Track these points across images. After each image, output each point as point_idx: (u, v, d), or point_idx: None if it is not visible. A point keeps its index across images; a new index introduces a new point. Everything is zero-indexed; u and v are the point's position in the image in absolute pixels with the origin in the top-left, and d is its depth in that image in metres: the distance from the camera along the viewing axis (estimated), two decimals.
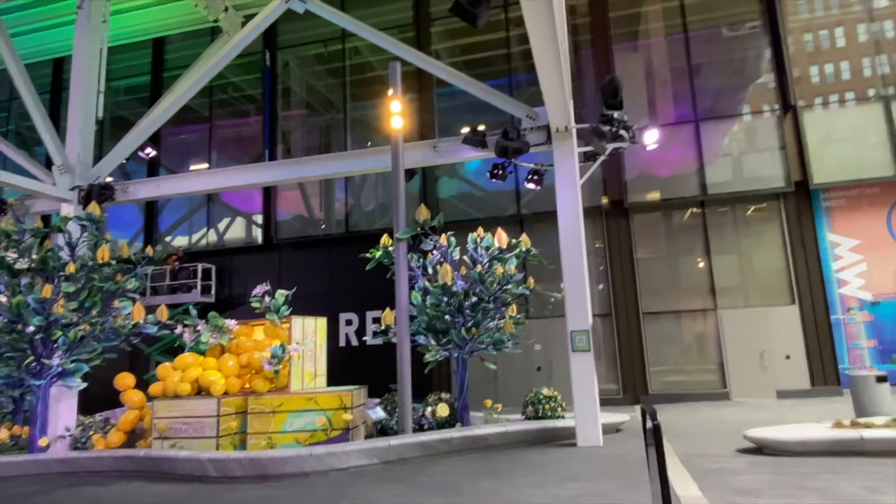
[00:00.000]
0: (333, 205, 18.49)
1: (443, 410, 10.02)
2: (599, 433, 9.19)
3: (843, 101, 15.15)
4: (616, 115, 9.19)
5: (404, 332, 9.79)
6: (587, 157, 10.74)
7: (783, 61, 15.23)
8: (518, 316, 10.94)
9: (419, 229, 10.44)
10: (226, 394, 9.56)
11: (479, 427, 9.63)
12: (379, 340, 11.14)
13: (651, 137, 9.87)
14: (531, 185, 11.22)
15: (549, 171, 10.99)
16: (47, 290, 9.88)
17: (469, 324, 10.13)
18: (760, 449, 7.99)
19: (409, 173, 11.19)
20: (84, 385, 10.35)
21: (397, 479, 7.62)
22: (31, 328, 9.73)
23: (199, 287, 17.31)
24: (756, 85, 15.92)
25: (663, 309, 15.42)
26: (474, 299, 10.22)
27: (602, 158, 9.97)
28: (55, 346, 9.97)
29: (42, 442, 9.94)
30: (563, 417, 10.23)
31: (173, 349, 14.55)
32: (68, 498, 7.80)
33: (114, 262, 10.72)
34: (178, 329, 10.38)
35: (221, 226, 19.36)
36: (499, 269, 10.25)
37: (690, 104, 15.95)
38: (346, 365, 15.19)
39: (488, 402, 10.77)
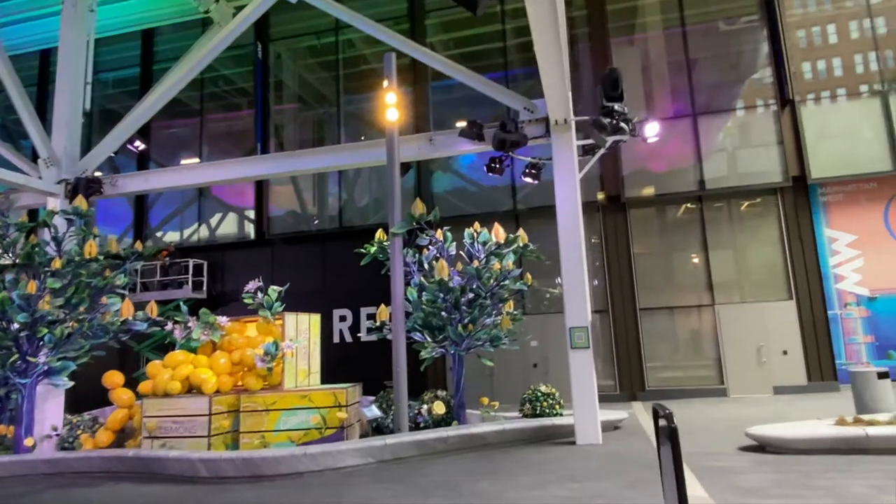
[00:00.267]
0: (327, 200, 18.26)
1: (439, 408, 9.85)
2: (598, 431, 9.05)
3: (840, 96, 15.06)
4: (617, 107, 9.01)
5: (400, 329, 9.60)
6: (585, 151, 10.57)
7: (781, 56, 15.10)
8: (515, 312, 10.79)
9: (415, 224, 10.24)
10: (217, 392, 9.35)
11: (476, 425, 9.47)
12: (374, 337, 10.96)
13: (652, 130, 9.71)
14: (528, 179, 11.03)
15: (546, 166, 10.83)
16: (32, 286, 9.63)
17: (466, 320, 9.95)
18: (762, 447, 7.88)
19: (404, 167, 10.99)
20: (71, 383, 10.11)
21: (394, 479, 7.45)
22: (16, 325, 9.48)
23: (190, 283, 17.05)
24: (753, 79, 15.80)
25: (660, 305, 15.32)
26: (471, 295, 10.04)
27: (602, 151, 9.81)
28: (41, 343, 9.72)
29: (28, 442, 9.69)
30: (561, 415, 10.09)
31: (164, 346, 14.30)
32: (55, 500, 7.58)
33: (102, 258, 10.45)
34: (169, 326, 10.15)
35: (213, 221, 19.07)
36: (496, 264, 10.07)
37: (688, 98, 15.82)
38: (340, 362, 14.99)
39: (485, 400, 10.61)
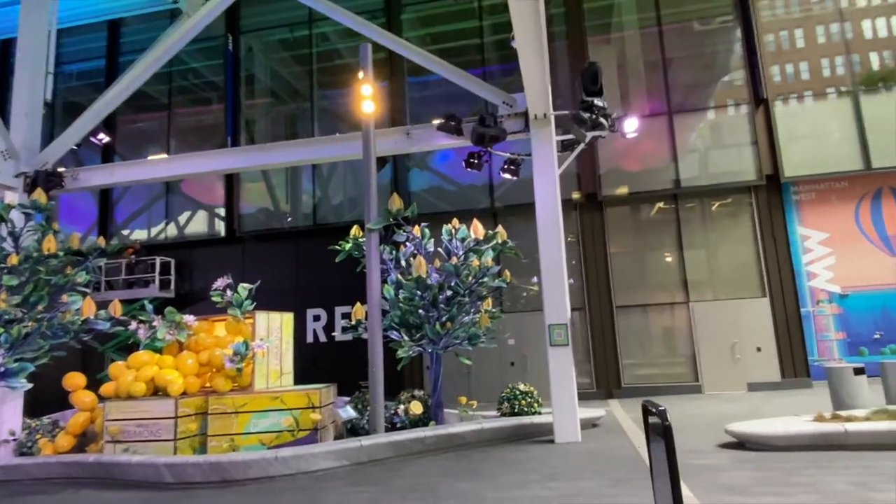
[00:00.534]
0: (300, 197, 17.87)
1: (416, 408, 9.63)
2: (578, 429, 8.94)
3: (813, 96, 15.26)
4: (596, 101, 8.90)
5: (376, 327, 9.34)
6: (564, 147, 10.47)
7: (755, 56, 15.24)
8: (494, 310, 10.61)
9: (392, 220, 9.98)
10: (184, 394, 8.99)
11: (454, 425, 9.27)
12: (348, 336, 10.70)
13: (631, 126, 9.64)
14: (507, 176, 10.88)
15: (525, 162, 10.68)
16: None
17: (444, 318, 9.73)
18: (742, 443, 7.83)
19: (380, 162, 10.75)
20: (29, 385, 9.60)
21: (370, 482, 7.20)
22: None
23: (157, 282, 16.52)
24: (728, 79, 15.93)
25: (636, 302, 15.33)
26: (449, 293, 9.83)
27: (581, 147, 9.70)
28: None
29: None
30: (539, 413, 9.96)
31: (130, 347, 13.78)
32: None
33: (62, 254, 9.96)
34: (133, 325, 9.73)
35: (182, 219, 18.51)
36: (475, 261, 9.88)
37: (664, 97, 15.86)
38: (314, 362, 14.63)
39: (463, 399, 10.42)
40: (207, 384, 9.47)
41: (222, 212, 17.95)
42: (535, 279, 13.11)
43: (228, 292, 9.59)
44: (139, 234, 18.50)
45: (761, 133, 15.06)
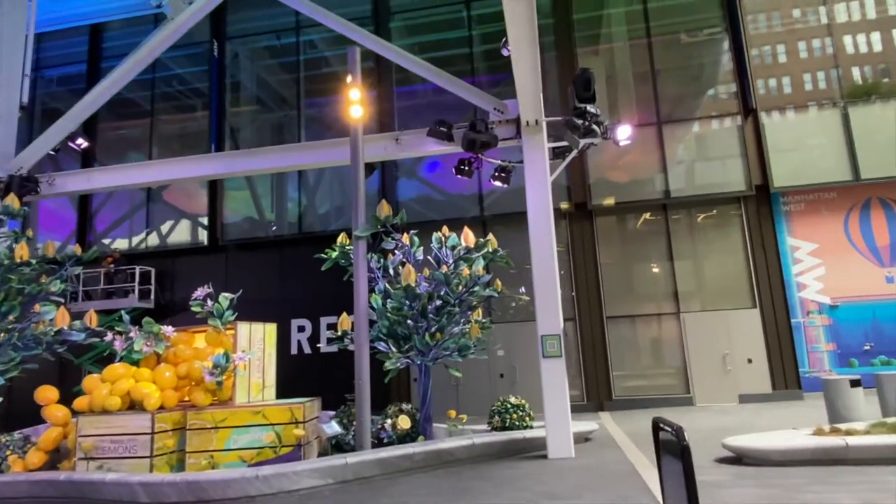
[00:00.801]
0: (286, 205, 17.53)
1: (404, 423, 9.30)
2: (571, 444, 8.67)
3: (802, 107, 15.29)
4: (589, 108, 8.74)
5: (363, 338, 9.02)
6: (556, 155, 10.29)
7: (744, 67, 15.26)
8: (484, 320, 10.33)
9: (380, 227, 9.70)
10: (161, 408, 8.58)
11: (444, 440, 8.95)
12: (334, 348, 10.34)
13: (624, 133, 9.46)
14: (497, 183, 10.67)
15: (516, 170, 10.49)
16: None
17: (433, 329, 9.43)
18: (740, 458, 7.61)
19: (368, 169, 10.46)
20: None
21: (356, 502, 6.86)
22: None
23: (136, 291, 16.03)
24: (717, 90, 15.94)
25: (627, 313, 15.15)
26: (439, 302, 9.53)
27: (573, 154, 9.53)
28: None
29: None
30: (531, 427, 9.66)
31: (107, 359, 13.29)
32: None
33: (34, 262, 9.56)
34: (109, 336, 9.31)
35: (164, 228, 18.07)
36: (465, 270, 9.61)
37: (653, 108, 15.81)
38: (297, 375, 14.21)
39: (452, 413, 10.09)
40: (186, 398, 9.08)
41: (205, 221, 17.55)
42: (522, 290, 12.91)
43: (209, 302, 9.23)
44: (120, 243, 18.02)
45: (751, 143, 15.05)
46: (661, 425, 3.16)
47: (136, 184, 12.44)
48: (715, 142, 15.64)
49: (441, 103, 14.73)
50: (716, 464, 7.60)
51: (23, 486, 8.20)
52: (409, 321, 9.44)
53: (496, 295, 10.06)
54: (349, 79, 9.61)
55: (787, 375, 14.09)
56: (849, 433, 7.35)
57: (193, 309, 9.23)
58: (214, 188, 17.41)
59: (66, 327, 9.57)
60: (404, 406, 9.89)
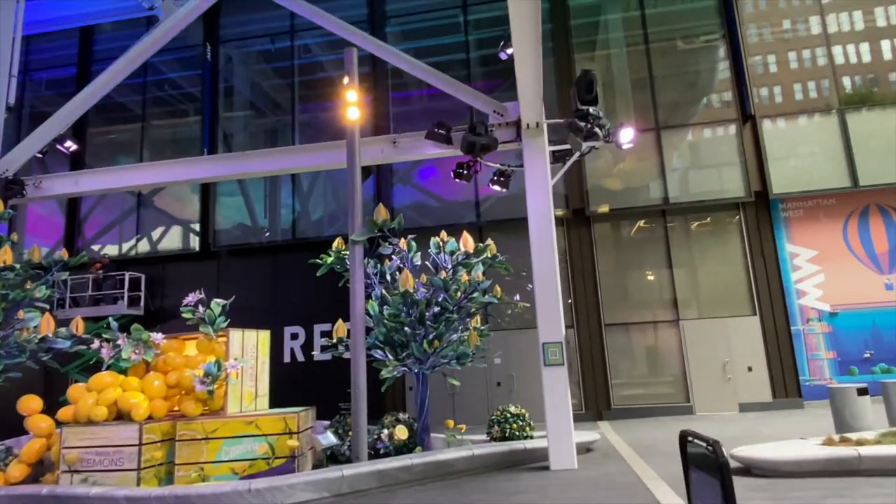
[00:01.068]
0: (279, 211, 17.25)
1: (401, 433, 9.03)
2: (574, 455, 8.43)
3: (801, 113, 15.23)
4: (591, 110, 8.57)
5: (360, 346, 8.76)
6: (556, 159, 10.11)
7: (742, 73, 15.19)
8: (483, 328, 10.09)
9: (377, 231, 9.46)
10: (150, 418, 8.30)
11: (443, 451, 8.68)
12: (327, 356, 10.07)
13: (626, 136, 9.28)
14: (496, 188, 10.46)
15: (515, 174, 10.30)
16: None
17: (431, 336, 9.19)
18: (748, 469, 7.39)
19: (364, 173, 10.25)
20: None
21: None
22: None
23: (125, 298, 15.67)
24: (716, 96, 15.86)
25: (625, 321, 14.96)
26: (437, 309, 9.30)
27: (575, 157, 9.35)
28: None
29: None
30: (531, 437, 9.40)
31: (95, 368, 12.94)
32: None
33: (18, 266, 9.24)
34: (96, 344, 9.00)
35: (155, 234, 17.74)
36: (464, 275, 9.38)
37: (651, 114, 15.70)
38: (291, 384, 13.85)
39: (450, 423, 9.83)
40: (175, 408, 8.80)
41: (197, 227, 17.24)
42: (517, 297, 12.69)
43: (200, 308, 8.95)
44: (110, 249, 17.66)
45: (749, 150, 14.96)
46: (692, 439, 2.94)
47: (126, 187, 12.14)
48: (713, 148, 15.55)
49: (437, 109, 14.55)
50: None
51: (3, 501, 7.88)
52: (406, 328, 9.20)
53: (496, 301, 9.85)
54: (346, 80, 9.41)
55: (787, 384, 13.93)
56: (860, 443, 7.15)
57: (184, 315, 8.96)
58: (207, 194, 17.12)
59: (51, 334, 9.24)
60: (401, 416, 9.64)
